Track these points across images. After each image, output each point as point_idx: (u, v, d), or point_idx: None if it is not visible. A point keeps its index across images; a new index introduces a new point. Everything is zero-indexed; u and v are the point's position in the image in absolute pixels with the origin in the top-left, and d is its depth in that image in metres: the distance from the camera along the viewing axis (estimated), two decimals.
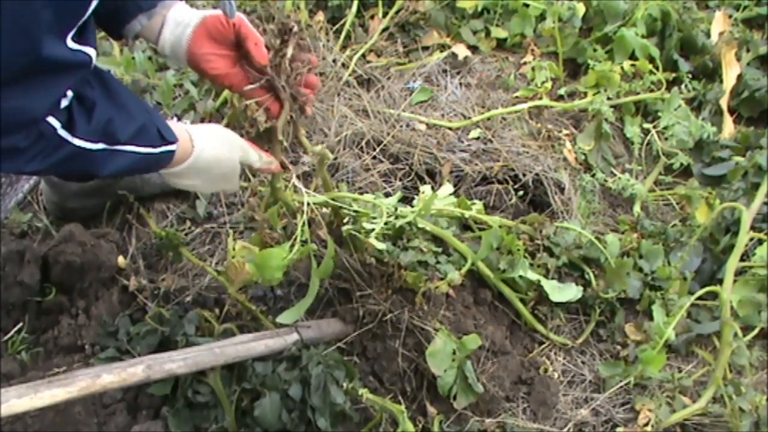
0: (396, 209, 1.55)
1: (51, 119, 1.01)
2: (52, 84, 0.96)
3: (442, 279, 1.59)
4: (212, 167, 1.31)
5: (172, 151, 1.23)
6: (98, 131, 1.09)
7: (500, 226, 1.70)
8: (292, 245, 1.39)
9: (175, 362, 1.33)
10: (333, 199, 1.49)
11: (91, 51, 1.00)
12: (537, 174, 1.95)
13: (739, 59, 2.24)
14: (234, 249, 1.44)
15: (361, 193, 1.89)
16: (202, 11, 1.31)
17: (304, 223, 1.38)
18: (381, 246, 1.46)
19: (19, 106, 0.94)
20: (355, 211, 1.52)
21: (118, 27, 1.29)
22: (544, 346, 1.68)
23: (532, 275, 1.66)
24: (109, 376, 1.25)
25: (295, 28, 1.30)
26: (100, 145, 1.10)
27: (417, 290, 1.55)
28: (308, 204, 1.36)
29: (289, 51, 1.31)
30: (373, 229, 1.46)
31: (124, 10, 1.27)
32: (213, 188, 1.41)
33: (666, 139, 2.07)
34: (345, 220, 1.54)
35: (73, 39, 0.95)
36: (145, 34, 1.31)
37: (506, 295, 1.66)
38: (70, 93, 1.02)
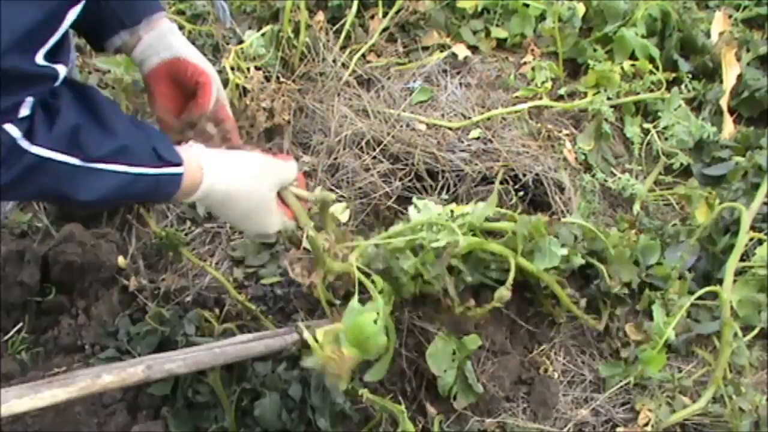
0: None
1: (8, 126, 0.93)
2: (6, 92, 0.89)
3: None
4: (229, 202, 1.17)
5: (177, 175, 1.10)
6: (62, 139, 0.99)
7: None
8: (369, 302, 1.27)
9: (175, 362, 1.33)
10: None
11: (60, 68, 0.95)
12: (537, 174, 1.95)
13: (739, 59, 2.24)
14: (319, 343, 1.25)
15: (362, 193, 1.90)
16: (177, 47, 1.28)
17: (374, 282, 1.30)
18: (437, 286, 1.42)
19: None
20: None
21: (99, 40, 1.27)
22: (544, 346, 1.68)
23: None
24: (109, 376, 1.25)
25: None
26: (72, 160, 1.00)
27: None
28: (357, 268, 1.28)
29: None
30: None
31: (107, 24, 1.25)
32: (250, 227, 1.25)
33: (666, 139, 2.07)
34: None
35: (45, 56, 0.91)
36: (123, 49, 1.29)
37: (549, 284, 1.60)
38: (29, 100, 0.94)
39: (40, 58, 0.90)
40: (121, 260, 1.68)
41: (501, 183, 1.94)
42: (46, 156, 0.97)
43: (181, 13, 2.36)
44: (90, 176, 1.02)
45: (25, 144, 0.95)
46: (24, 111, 0.94)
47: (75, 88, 1.04)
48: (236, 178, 1.16)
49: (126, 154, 1.04)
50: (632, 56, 2.21)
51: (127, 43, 1.28)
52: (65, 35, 0.94)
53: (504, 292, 1.45)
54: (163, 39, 1.27)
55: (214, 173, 1.14)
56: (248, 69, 2.03)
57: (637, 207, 1.95)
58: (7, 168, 0.95)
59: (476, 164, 1.96)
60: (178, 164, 1.09)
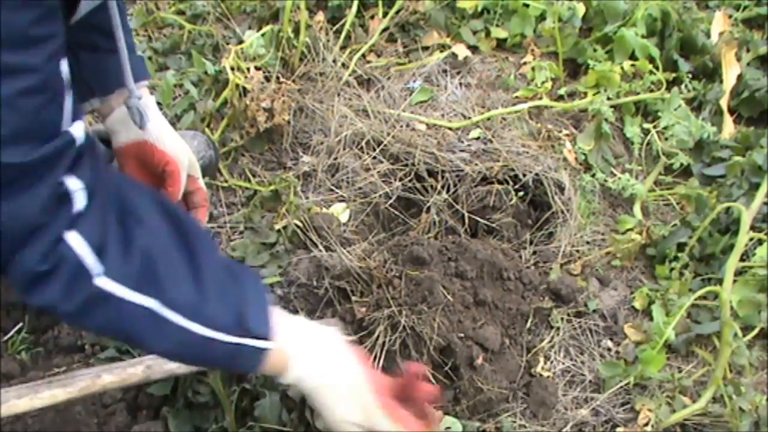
0: None
1: (72, 240, 0.78)
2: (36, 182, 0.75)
3: None
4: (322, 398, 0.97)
5: (261, 350, 0.91)
6: (134, 264, 0.82)
7: None
8: None
9: (175, 362, 1.33)
10: None
11: (77, 128, 0.80)
12: (537, 174, 1.95)
13: (739, 59, 2.24)
14: None
15: (362, 193, 1.90)
16: (147, 130, 1.24)
17: None
18: None
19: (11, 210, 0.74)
20: None
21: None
22: (543, 345, 1.68)
23: None
24: (109, 376, 1.25)
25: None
26: (142, 299, 0.82)
27: None
28: None
29: None
30: None
31: (79, 86, 1.14)
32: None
33: (666, 139, 2.07)
34: None
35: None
36: (98, 114, 1.28)
37: None
38: (76, 186, 0.79)
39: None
40: None
41: (501, 183, 1.94)
42: (111, 291, 0.82)
43: (181, 13, 2.36)
44: (161, 325, 0.84)
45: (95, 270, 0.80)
46: (79, 203, 0.80)
47: (163, 206, 0.89)
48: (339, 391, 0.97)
49: (200, 309, 0.86)
50: (632, 56, 2.21)
51: (100, 111, 1.26)
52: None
53: None
54: (133, 112, 1.20)
55: (305, 362, 0.96)
56: (248, 69, 2.03)
57: (637, 207, 1.95)
58: (70, 292, 0.81)
59: (476, 164, 1.96)
60: (265, 338, 0.91)
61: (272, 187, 1.88)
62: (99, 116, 1.31)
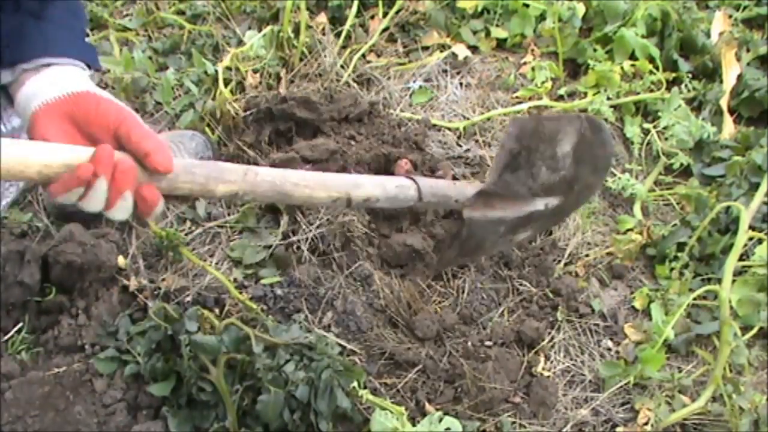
0: None
1: None
2: None
3: None
4: None
5: None
6: None
7: None
8: None
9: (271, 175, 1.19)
10: None
11: None
12: None
13: (739, 59, 2.24)
14: None
15: None
16: (78, 81, 1.02)
17: None
18: None
19: None
20: None
21: None
22: (543, 345, 1.68)
23: None
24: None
25: None
26: None
27: None
28: None
29: None
30: None
31: None
32: None
33: (666, 139, 2.07)
34: None
35: None
36: (7, 91, 1.07)
37: None
38: None
39: None
40: (121, 260, 1.68)
41: None
42: None
43: (181, 13, 2.36)
44: None
45: None
46: None
47: None
48: None
49: None
50: (632, 56, 2.21)
51: (11, 87, 1.04)
52: None
53: None
54: (62, 77, 1.02)
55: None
56: (246, 72, 2.04)
57: (637, 207, 1.95)
58: None
59: (476, 164, 1.96)
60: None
61: None
62: (4, 99, 1.08)
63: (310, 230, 1.73)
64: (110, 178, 0.95)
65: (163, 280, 1.68)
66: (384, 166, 1.87)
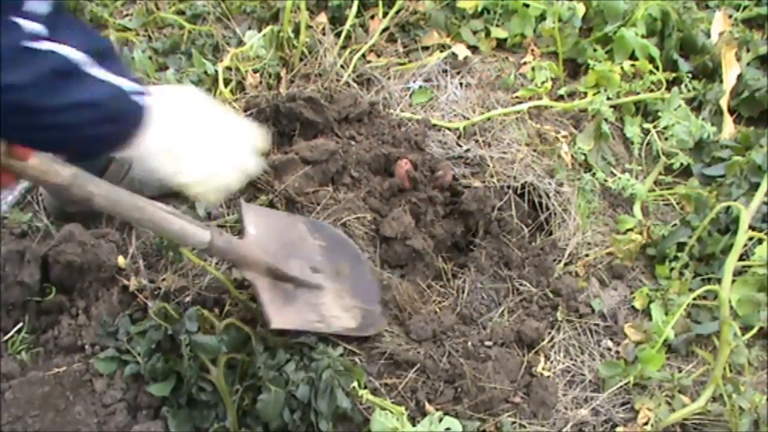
0: None
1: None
2: None
3: None
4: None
5: (140, 108, 1.04)
6: None
7: None
8: None
9: (99, 187, 1.24)
10: None
11: None
12: (537, 174, 1.95)
13: (739, 59, 2.24)
14: None
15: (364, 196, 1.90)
16: None
17: None
18: None
19: None
20: None
21: None
22: (543, 345, 1.68)
23: None
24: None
25: None
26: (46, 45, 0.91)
27: None
28: None
29: None
30: None
31: None
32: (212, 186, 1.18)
33: (666, 139, 2.07)
34: None
35: None
36: None
37: None
38: None
39: None
40: (121, 260, 1.68)
41: (500, 183, 1.94)
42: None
43: (181, 13, 2.36)
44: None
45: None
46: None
47: None
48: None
49: (105, 56, 1.04)
50: (632, 56, 2.21)
51: None
52: None
53: None
54: None
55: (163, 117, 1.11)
56: (246, 72, 2.04)
57: (637, 207, 1.95)
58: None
59: (476, 164, 1.96)
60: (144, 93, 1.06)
61: None
62: None
63: None
64: None
65: (163, 280, 1.68)
66: (384, 166, 1.88)
